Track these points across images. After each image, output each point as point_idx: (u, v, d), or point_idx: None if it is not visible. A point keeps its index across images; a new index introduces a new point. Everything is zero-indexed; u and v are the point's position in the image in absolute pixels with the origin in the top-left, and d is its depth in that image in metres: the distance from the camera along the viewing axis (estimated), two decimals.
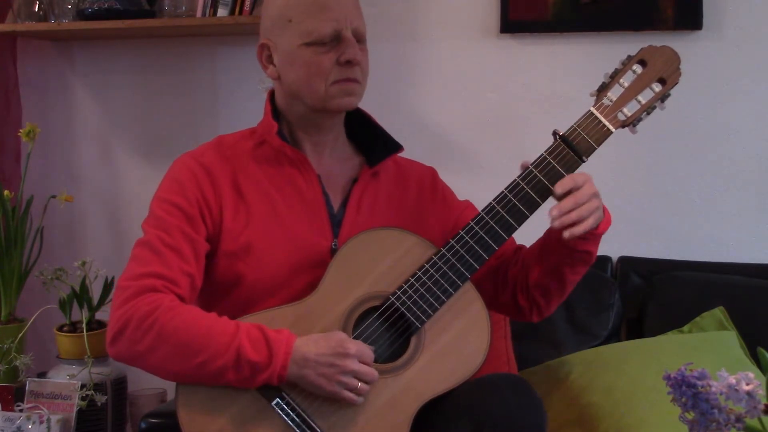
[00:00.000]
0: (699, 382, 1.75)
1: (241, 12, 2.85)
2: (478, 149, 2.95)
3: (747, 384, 1.90)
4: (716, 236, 2.85)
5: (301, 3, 1.81)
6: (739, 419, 1.80)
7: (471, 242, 1.76)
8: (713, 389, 1.74)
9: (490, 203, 1.78)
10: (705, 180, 2.85)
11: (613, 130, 1.79)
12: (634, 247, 2.86)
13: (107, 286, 2.78)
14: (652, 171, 2.87)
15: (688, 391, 1.72)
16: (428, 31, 2.97)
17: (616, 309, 2.72)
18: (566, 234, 1.72)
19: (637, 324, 2.72)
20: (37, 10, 3.00)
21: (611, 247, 2.84)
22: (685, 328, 2.54)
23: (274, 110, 1.92)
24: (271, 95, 1.94)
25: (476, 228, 1.76)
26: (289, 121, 1.92)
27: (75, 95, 3.21)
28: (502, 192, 1.78)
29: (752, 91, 2.81)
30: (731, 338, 2.45)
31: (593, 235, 1.81)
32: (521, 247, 1.99)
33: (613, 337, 2.71)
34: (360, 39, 1.83)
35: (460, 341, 1.75)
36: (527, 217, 1.77)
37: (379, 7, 2.95)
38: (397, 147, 1.96)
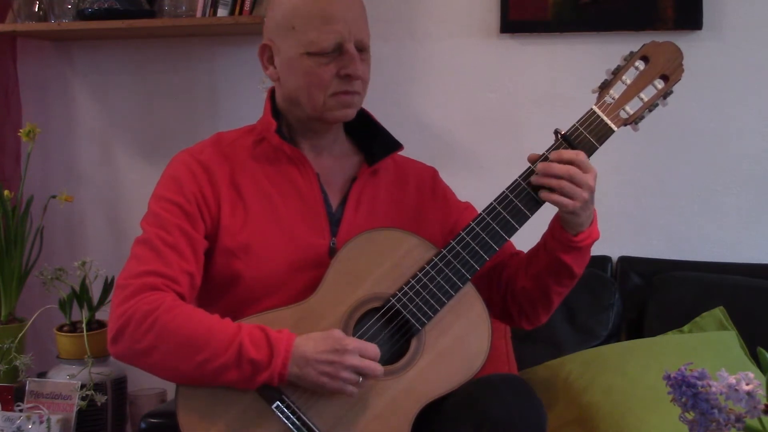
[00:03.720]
0: (699, 382, 1.75)
1: (241, 12, 2.85)
2: (478, 149, 2.95)
3: (747, 384, 1.90)
4: (716, 236, 2.85)
5: (306, 11, 1.79)
6: (739, 419, 1.80)
7: (472, 243, 1.75)
8: (713, 389, 1.74)
9: (491, 203, 1.77)
10: (705, 179, 2.85)
11: (616, 128, 1.78)
12: (634, 247, 2.86)
13: (107, 286, 2.77)
14: (653, 170, 2.87)
15: (688, 391, 1.72)
16: (428, 31, 2.97)
17: (616, 309, 2.72)
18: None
19: (637, 324, 2.72)
20: (37, 10, 3.00)
21: (611, 247, 2.84)
22: (685, 328, 2.54)
23: (274, 108, 1.92)
24: (272, 93, 1.94)
25: (477, 229, 1.76)
26: (288, 122, 1.92)
27: (75, 95, 3.21)
28: (503, 192, 1.77)
29: (752, 91, 2.81)
30: (731, 338, 2.45)
31: (573, 246, 1.79)
32: (519, 252, 1.98)
33: (613, 337, 2.71)
34: (363, 49, 1.82)
35: (461, 343, 1.75)
36: (528, 217, 1.77)
37: (380, 7, 2.94)
38: (397, 146, 1.96)
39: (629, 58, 1.81)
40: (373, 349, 1.68)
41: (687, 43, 2.77)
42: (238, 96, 3.08)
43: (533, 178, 1.75)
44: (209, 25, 2.86)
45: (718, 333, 2.48)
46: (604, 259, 2.83)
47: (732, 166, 2.83)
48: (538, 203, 1.76)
